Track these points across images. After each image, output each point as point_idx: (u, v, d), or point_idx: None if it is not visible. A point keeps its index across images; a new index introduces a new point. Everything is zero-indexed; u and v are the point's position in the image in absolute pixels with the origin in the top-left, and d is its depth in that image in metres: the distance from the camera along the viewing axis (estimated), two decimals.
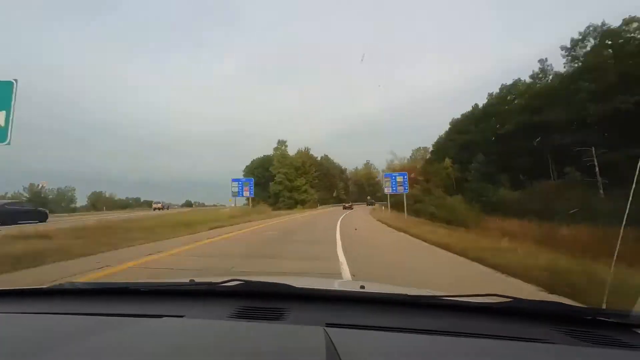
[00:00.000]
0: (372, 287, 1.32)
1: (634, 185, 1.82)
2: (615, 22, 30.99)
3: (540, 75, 39.72)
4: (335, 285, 1.47)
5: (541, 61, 39.34)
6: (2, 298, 1.22)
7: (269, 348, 0.77)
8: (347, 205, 44.69)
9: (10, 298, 1.23)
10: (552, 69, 38.73)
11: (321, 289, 1.23)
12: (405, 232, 11.62)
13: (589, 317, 0.96)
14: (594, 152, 26.78)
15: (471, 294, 1.07)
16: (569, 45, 35.34)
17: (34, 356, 0.68)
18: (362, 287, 1.25)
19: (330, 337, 0.78)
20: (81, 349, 0.72)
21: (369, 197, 63.83)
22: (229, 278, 1.21)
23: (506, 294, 1.06)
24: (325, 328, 0.84)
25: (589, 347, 0.84)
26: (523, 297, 1.05)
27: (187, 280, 1.31)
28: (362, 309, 1.06)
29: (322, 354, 0.69)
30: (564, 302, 1.07)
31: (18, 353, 0.70)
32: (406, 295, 1.12)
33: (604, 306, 1.85)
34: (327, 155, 71.87)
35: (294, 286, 1.16)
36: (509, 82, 43.06)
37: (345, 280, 1.90)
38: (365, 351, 0.77)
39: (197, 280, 1.29)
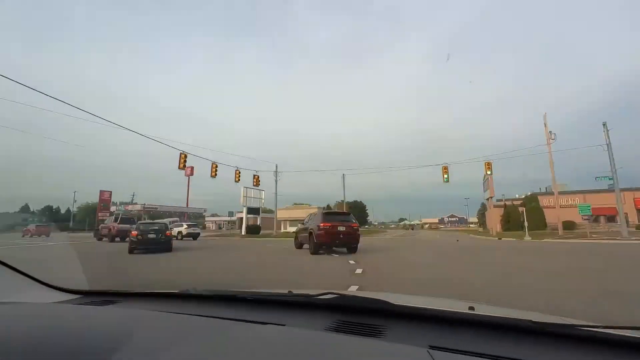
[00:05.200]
0: (483, 309, 1.19)
1: None
2: None
3: None
4: (438, 304, 1.33)
5: None
6: (144, 298, 1.51)
7: None
8: None
9: (150, 298, 1.50)
10: None
11: (424, 307, 1.15)
12: None
13: None
14: None
15: (622, 325, 0.87)
16: None
17: (166, 350, 0.78)
18: (472, 308, 1.14)
19: None
20: (199, 346, 0.83)
21: None
22: (325, 291, 1.22)
23: None
24: (429, 350, 0.79)
25: None
26: None
27: (285, 291, 1.42)
28: (472, 332, 0.96)
29: None
30: None
31: (153, 345, 0.83)
32: (530, 321, 0.93)
33: None
34: None
35: (393, 303, 1.12)
36: None
37: (449, 299, 1.77)
38: None
39: (295, 291, 1.38)
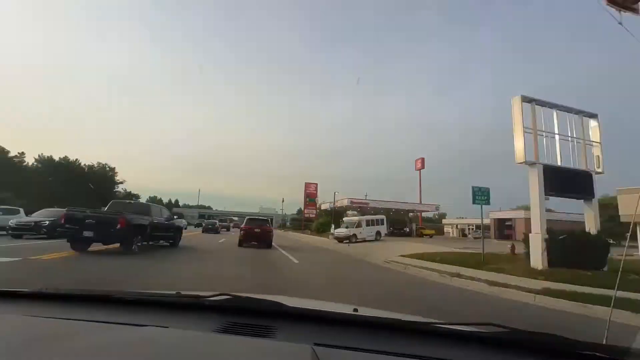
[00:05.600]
0: (366, 311, 1.30)
1: None
2: None
3: None
4: (327, 307, 1.44)
5: None
6: None
7: None
8: None
9: None
10: None
11: (312, 309, 1.21)
12: None
13: (588, 352, 0.92)
14: None
15: (468, 322, 1.06)
16: None
17: (13, 358, 0.69)
18: (356, 310, 1.23)
19: (317, 357, 0.77)
20: (60, 352, 0.74)
21: None
22: (217, 292, 1.20)
23: (505, 324, 1.04)
24: (314, 347, 0.83)
25: None
26: (521, 329, 1.02)
27: (173, 292, 1.29)
28: (353, 331, 1.05)
29: None
30: (562, 335, 1.00)
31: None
32: (399, 320, 1.10)
33: (604, 341, 1.79)
34: None
35: (283, 304, 1.15)
36: None
37: (337, 303, 1.94)
38: None
39: (184, 292, 1.27)
